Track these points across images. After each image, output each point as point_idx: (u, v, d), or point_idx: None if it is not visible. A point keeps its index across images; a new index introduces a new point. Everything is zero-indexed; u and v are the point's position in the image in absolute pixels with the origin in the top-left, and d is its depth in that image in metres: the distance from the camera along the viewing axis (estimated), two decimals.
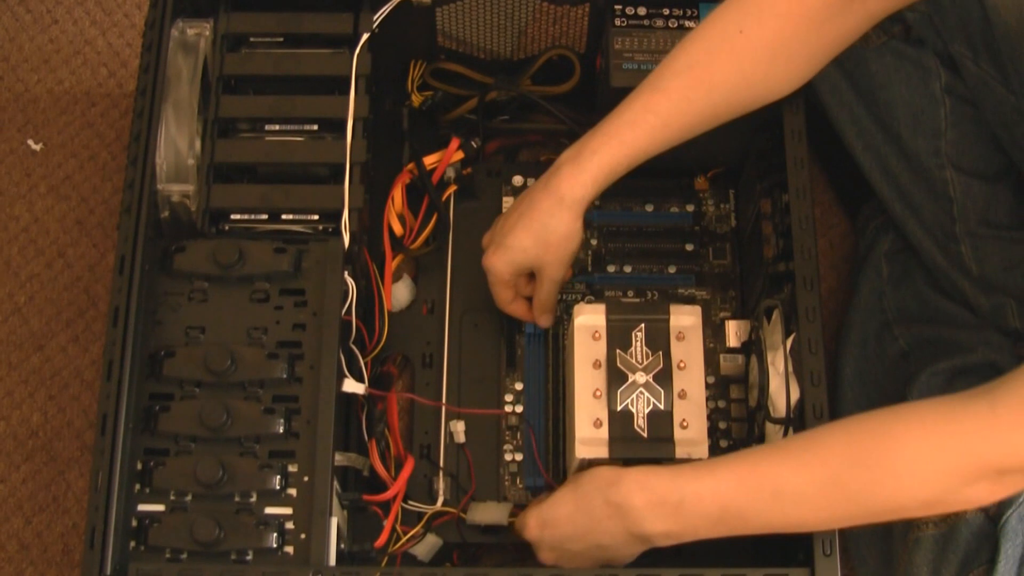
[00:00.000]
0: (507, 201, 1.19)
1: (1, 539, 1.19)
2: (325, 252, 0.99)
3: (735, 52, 0.95)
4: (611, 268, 1.17)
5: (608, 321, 1.02)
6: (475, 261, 1.07)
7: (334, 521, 0.93)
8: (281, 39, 1.07)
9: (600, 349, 1.01)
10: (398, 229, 1.15)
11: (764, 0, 0.94)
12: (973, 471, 0.81)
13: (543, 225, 0.99)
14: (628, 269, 1.17)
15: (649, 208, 1.20)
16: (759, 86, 0.97)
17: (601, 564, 0.94)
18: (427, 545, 1.07)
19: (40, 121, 1.35)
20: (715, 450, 1.09)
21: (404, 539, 1.05)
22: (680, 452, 0.98)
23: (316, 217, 1.02)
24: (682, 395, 1.00)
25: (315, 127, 1.04)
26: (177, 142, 1.01)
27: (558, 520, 0.94)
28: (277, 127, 1.05)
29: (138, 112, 1.01)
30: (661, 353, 1.01)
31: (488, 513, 1.07)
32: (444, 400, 1.12)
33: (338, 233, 1.00)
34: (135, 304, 0.94)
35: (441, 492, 1.10)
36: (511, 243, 1.01)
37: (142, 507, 0.92)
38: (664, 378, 1.00)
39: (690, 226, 1.19)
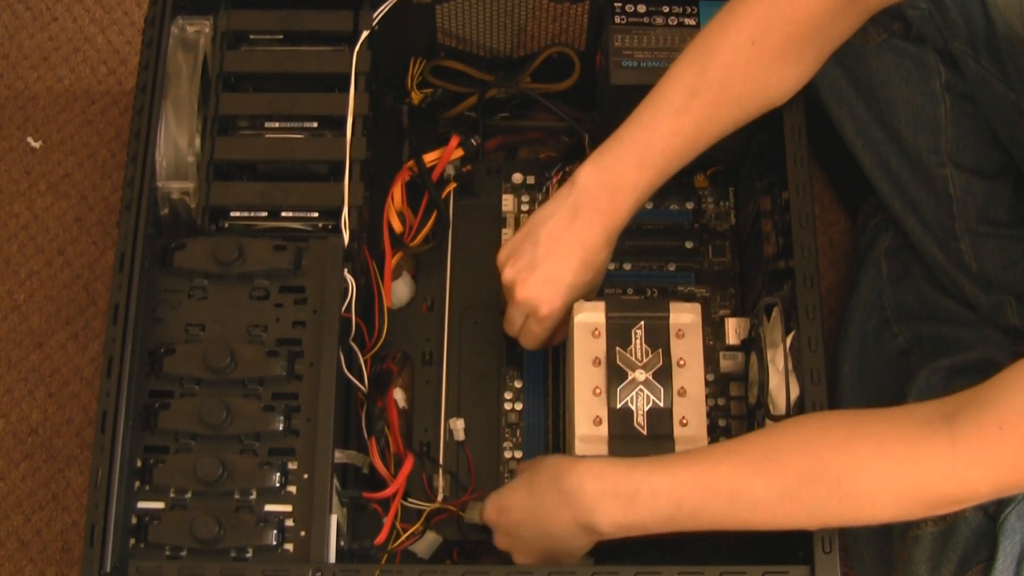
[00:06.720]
0: (507, 199, 1.19)
1: (0, 536, 1.19)
2: (325, 249, 0.99)
3: (751, 63, 0.95)
4: (611, 265, 1.17)
5: (608, 318, 1.02)
6: (475, 259, 1.07)
7: (334, 519, 0.93)
8: (281, 36, 1.07)
9: (600, 346, 1.01)
10: (398, 226, 1.15)
11: (772, 8, 0.94)
12: (930, 503, 0.82)
13: (595, 255, 0.99)
14: (628, 267, 1.17)
15: (649, 205, 1.19)
16: (772, 90, 0.98)
17: (551, 555, 0.94)
18: (427, 542, 1.07)
19: (39, 119, 1.34)
20: None
21: (404, 536, 1.05)
22: (680, 449, 0.97)
23: (316, 214, 1.02)
24: (682, 393, 1.00)
25: (315, 124, 1.04)
26: (177, 139, 1.01)
27: (512, 506, 0.95)
28: (277, 124, 1.05)
29: (138, 109, 1.00)
30: (661, 351, 1.01)
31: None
32: (444, 398, 1.12)
33: (338, 230, 1.00)
34: (135, 301, 0.94)
35: (441, 490, 1.10)
36: (560, 277, 0.98)
37: (142, 504, 0.92)
38: (664, 376, 1.00)
39: (690, 224, 1.19)
